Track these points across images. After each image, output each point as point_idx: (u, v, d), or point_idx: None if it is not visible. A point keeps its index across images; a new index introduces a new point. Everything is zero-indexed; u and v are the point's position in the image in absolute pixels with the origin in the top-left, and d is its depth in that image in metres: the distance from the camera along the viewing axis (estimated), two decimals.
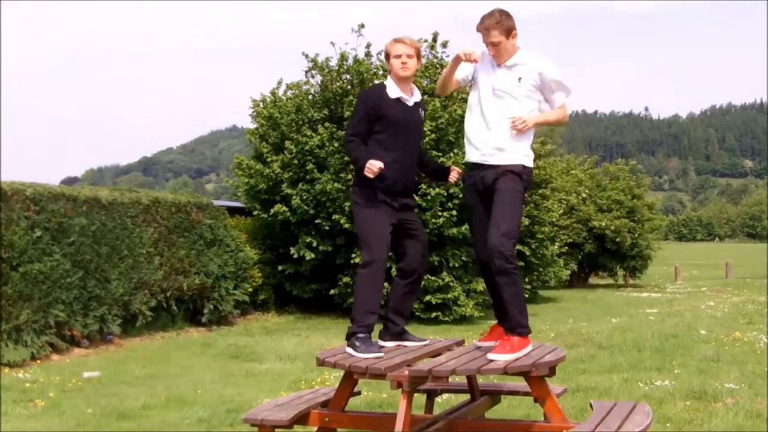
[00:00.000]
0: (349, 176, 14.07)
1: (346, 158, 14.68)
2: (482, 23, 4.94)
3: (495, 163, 4.96)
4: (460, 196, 14.27)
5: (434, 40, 16.51)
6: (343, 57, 16.13)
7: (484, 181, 4.99)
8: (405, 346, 5.18)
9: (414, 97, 5.21)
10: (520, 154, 4.99)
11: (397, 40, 5.15)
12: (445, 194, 14.85)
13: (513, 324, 4.81)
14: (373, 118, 5.09)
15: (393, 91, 5.12)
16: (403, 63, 5.08)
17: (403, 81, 5.15)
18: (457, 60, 5.08)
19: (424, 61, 16.13)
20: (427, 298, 14.83)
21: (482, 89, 5.04)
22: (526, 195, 5.09)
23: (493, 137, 4.95)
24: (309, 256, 15.37)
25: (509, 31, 4.92)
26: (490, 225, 4.84)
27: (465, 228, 14.42)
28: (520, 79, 4.94)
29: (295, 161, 15.65)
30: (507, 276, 4.77)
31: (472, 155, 5.06)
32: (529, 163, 5.06)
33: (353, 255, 14.68)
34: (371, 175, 4.93)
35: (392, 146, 5.10)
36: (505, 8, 4.97)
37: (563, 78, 5.05)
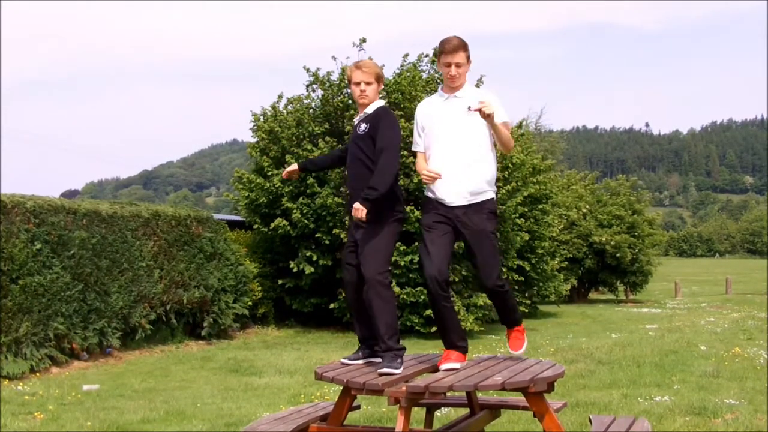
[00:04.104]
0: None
1: (346, 172, 14.69)
2: (450, 43, 4.81)
3: (475, 201, 4.86)
4: None
5: (435, 54, 16.56)
6: (344, 71, 16.18)
7: (461, 220, 4.84)
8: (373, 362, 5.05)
9: (360, 116, 5.10)
10: (491, 187, 4.95)
11: (357, 66, 5.10)
12: None
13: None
14: None
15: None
16: (362, 91, 5.04)
17: (363, 105, 5.11)
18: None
19: (425, 75, 16.20)
20: (427, 312, 14.79)
21: (441, 128, 4.89)
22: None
23: (472, 179, 4.83)
24: (309, 270, 15.38)
25: (468, 58, 4.87)
26: (485, 263, 4.83)
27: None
28: (469, 108, 4.79)
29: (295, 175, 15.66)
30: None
31: (453, 198, 4.84)
32: None
33: None
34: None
35: None
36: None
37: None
